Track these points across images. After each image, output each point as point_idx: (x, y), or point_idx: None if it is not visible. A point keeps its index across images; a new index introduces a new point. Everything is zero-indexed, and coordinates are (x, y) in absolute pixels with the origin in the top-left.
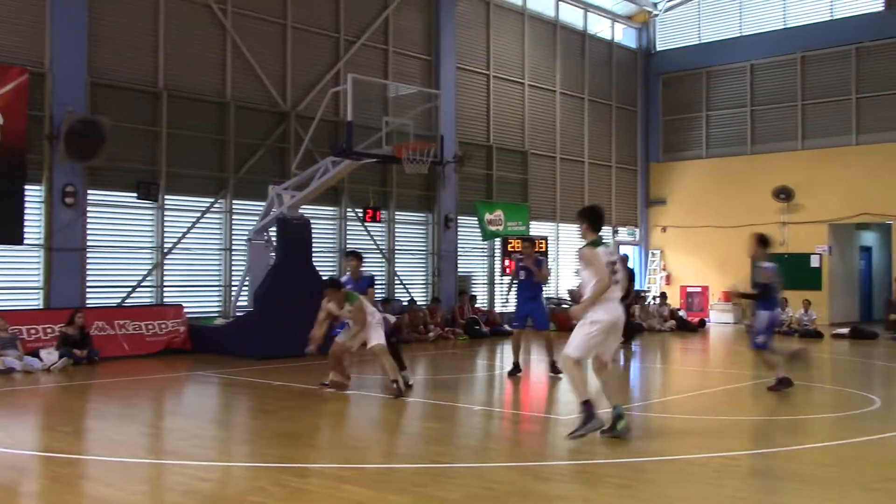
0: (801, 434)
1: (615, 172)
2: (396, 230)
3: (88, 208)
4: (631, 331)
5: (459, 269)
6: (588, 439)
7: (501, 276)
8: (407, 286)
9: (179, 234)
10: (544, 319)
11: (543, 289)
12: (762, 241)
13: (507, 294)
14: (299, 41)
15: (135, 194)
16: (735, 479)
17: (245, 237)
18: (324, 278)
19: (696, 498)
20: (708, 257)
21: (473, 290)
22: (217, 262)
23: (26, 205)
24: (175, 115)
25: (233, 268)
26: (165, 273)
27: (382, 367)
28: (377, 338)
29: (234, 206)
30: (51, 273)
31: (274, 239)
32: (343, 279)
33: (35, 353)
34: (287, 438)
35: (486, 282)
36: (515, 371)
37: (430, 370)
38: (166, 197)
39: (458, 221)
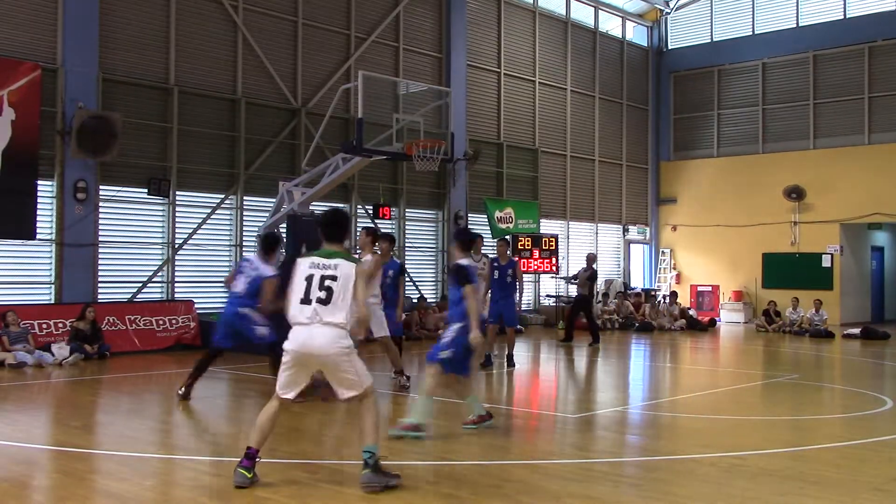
0: (811, 434)
1: (625, 171)
2: (406, 227)
3: (100, 204)
4: (595, 332)
5: None
6: (597, 437)
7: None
8: (416, 283)
9: (190, 230)
10: (513, 318)
11: (517, 288)
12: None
13: (484, 294)
14: (310, 38)
15: (146, 190)
16: (744, 479)
17: (255, 233)
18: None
19: (704, 497)
20: (718, 256)
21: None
22: (227, 258)
23: (38, 200)
24: (186, 112)
25: None
26: (176, 269)
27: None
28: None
29: (244, 203)
30: (62, 268)
31: (284, 235)
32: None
33: (47, 348)
34: (296, 434)
35: None
36: (487, 363)
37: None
38: (177, 193)
39: (468, 219)
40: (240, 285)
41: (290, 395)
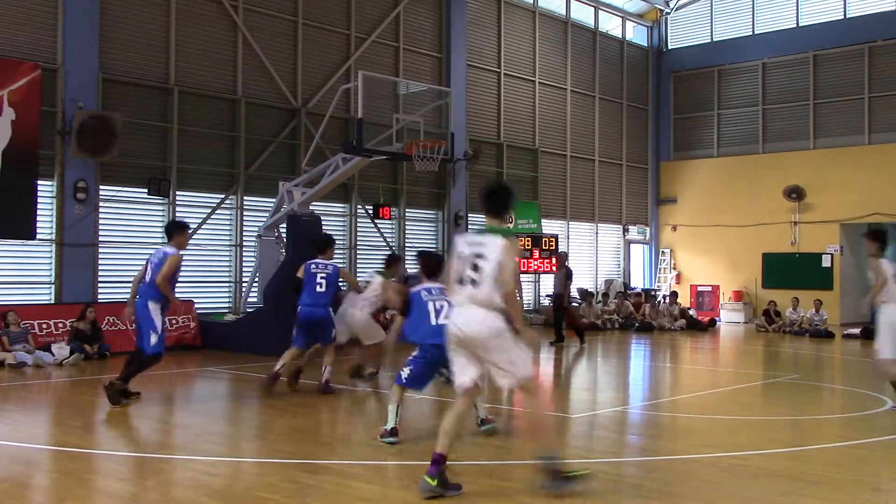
0: (811, 434)
1: (626, 171)
2: (406, 227)
3: (100, 204)
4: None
5: None
6: (597, 437)
7: None
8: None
9: (190, 230)
10: None
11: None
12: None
13: None
14: (310, 38)
15: (146, 190)
16: (744, 478)
17: (255, 233)
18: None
19: (704, 497)
20: (718, 256)
21: None
22: (227, 259)
23: (38, 200)
24: (186, 112)
25: (243, 264)
26: None
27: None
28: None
29: (244, 203)
30: (62, 268)
31: (284, 235)
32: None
33: (46, 348)
34: (296, 434)
35: None
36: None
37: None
38: (177, 193)
39: (469, 219)
40: (148, 274)
41: (467, 380)
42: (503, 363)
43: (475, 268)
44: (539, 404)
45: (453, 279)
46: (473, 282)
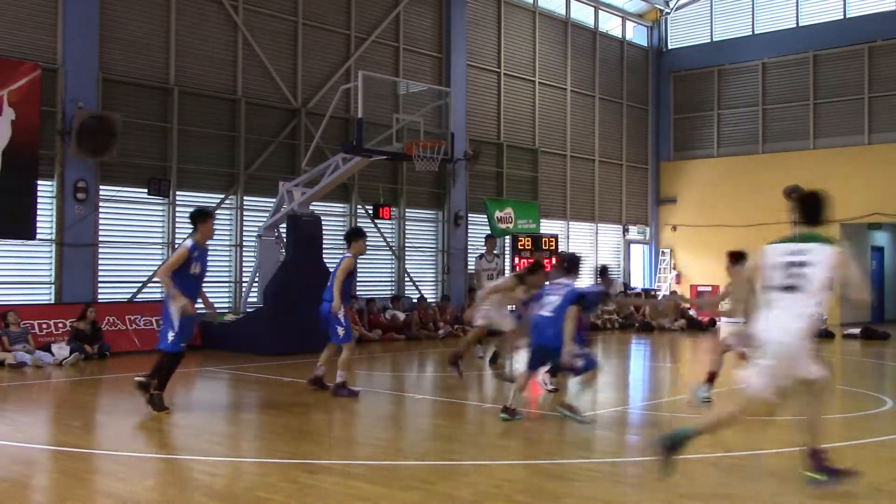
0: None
1: (626, 171)
2: (406, 227)
3: (100, 204)
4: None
5: (469, 267)
6: (597, 437)
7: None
8: (417, 283)
9: (190, 230)
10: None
11: None
12: None
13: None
14: (310, 38)
15: (146, 190)
16: (744, 479)
17: (255, 233)
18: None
19: (704, 497)
20: (718, 256)
21: None
22: (227, 259)
23: (38, 200)
24: (186, 112)
25: (243, 264)
26: None
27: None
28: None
29: (244, 203)
30: (62, 268)
31: (284, 235)
32: None
33: (46, 348)
34: (296, 434)
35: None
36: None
37: (440, 367)
38: (177, 193)
39: (468, 219)
40: None
41: (766, 393)
42: (809, 370)
43: (793, 276)
44: (817, 402)
45: (758, 288)
46: (792, 288)
